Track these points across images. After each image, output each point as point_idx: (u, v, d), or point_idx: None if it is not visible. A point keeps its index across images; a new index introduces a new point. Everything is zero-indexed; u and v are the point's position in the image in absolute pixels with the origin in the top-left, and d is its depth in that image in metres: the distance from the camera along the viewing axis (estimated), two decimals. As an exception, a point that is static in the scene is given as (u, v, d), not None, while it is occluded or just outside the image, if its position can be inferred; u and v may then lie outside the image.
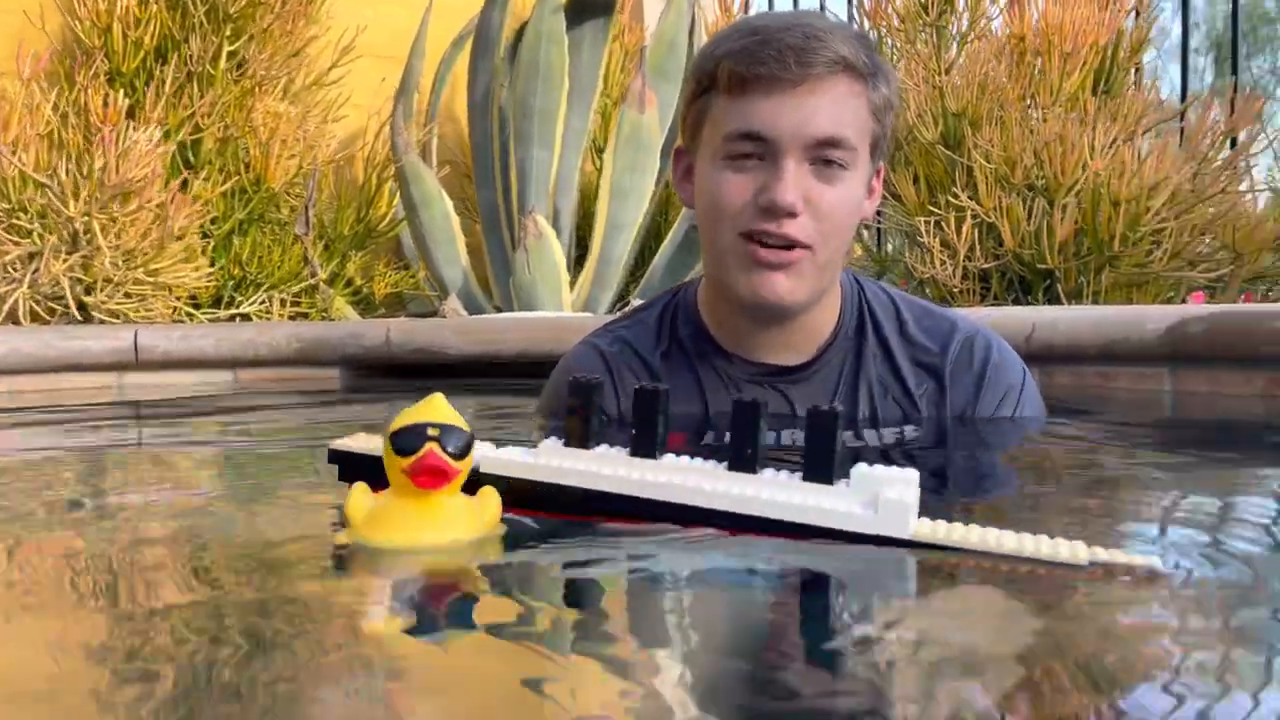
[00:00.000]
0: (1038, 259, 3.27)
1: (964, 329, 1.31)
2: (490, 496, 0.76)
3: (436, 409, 0.73)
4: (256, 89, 3.73)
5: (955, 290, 3.37)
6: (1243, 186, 3.67)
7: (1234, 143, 3.62)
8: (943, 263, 3.37)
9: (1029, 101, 3.52)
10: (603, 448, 0.79)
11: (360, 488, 0.75)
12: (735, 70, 1.17)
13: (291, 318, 3.63)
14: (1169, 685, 0.50)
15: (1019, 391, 1.32)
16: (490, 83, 4.00)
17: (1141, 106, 3.51)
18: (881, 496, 0.71)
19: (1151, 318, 1.99)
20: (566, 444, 0.78)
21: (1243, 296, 3.61)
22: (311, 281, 3.68)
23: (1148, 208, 3.16)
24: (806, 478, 0.73)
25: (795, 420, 1.25)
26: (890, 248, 4.25)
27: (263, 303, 3.52)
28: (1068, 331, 2.06)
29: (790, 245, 1.17)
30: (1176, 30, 4.59)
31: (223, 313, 3.49)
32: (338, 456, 0.82)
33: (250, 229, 3.71)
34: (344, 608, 0.63)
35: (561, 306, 3.71)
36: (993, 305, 3.26)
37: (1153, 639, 0.57)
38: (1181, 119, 3.73)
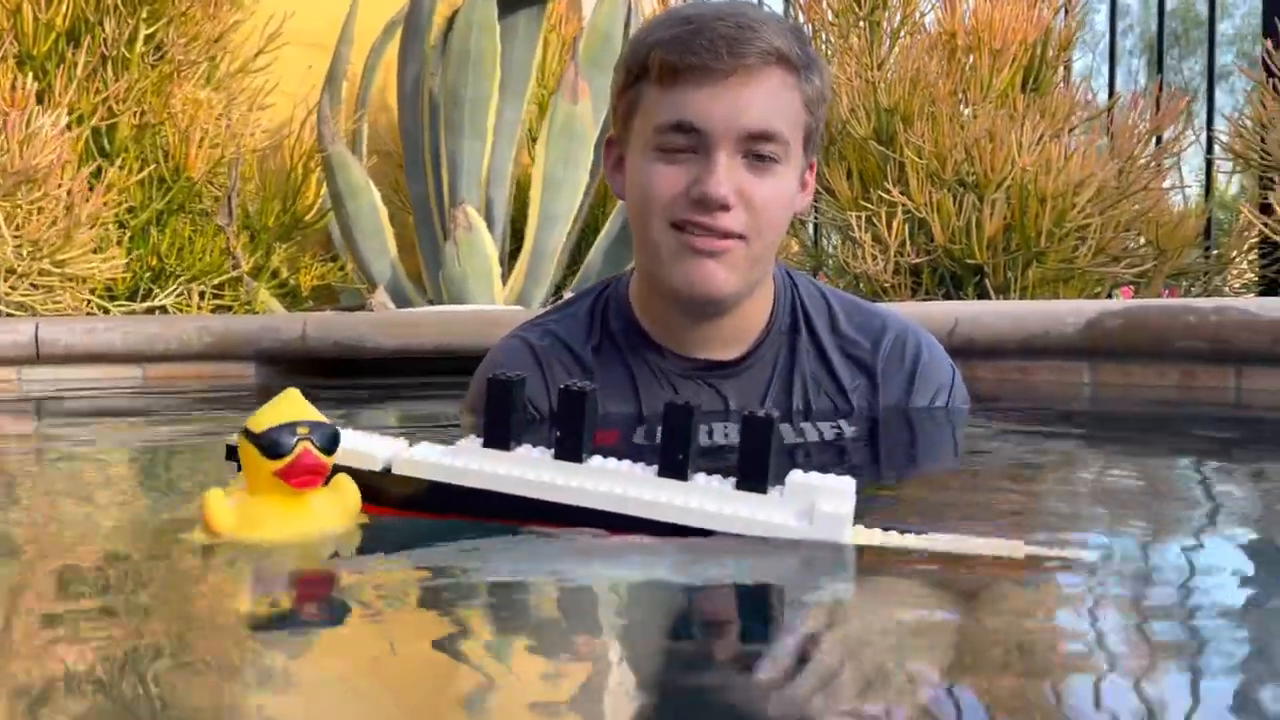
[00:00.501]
0: (967, 254, 3.29)
1: (894, 326, 1.31)
2: (347, 486, 0.73)
3: (297, 405, 0.70)
4: (175, 74, 3.61)
5: (887, 285, 3.38)
6: (1167, 184, 3.73)
7: (1159, 141, 3.68)
8: (874, 258, 3.37)
9: (960, 98, 3.54)
10: (524, 448, 0.75)
11: (215, 492, 0.72)
12: (667, 60, 1.14)
13: (214, 311, 3.52)
14: (1098, 677, 0.50)
15: (949, 390, 1.32)
16: (421, 71, 3.92)
17: (1069, 104, 3.55)
18: (817, 508, 0.69)
19: (1071, 312, 1.99)
20: (486, 444, 0.74)
21: (1166, 292, 3.67)
22: (234, 274, 3.57)
23: (1074, 204, 3.19)
24: (740, 486, 0.71)
25: (728, 415, 1.24)
26: (826, 243, 4.25)
27: (181, 295, 3.41)
28: (989, 326, 2.05)
29: (723, 235, 1.15)
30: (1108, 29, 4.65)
31: (139, 306, 3.38)
32: (236, 454, 0.77)
33: (170, 219, 3.60)
34: (207, 607, 0.61)
35: (494, 300, 3.65)
36: (928, 302, 3.27)
37: (1077, 632, 0.57)
38: (1109, 117, 3.78)
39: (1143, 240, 3.62)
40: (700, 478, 0.72)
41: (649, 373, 1.27)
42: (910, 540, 0.68)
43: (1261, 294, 3.53)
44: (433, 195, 3.95)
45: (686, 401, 0.71)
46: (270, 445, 0.68)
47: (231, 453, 0.77)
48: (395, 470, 0.75)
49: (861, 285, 3.45)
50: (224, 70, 3.92)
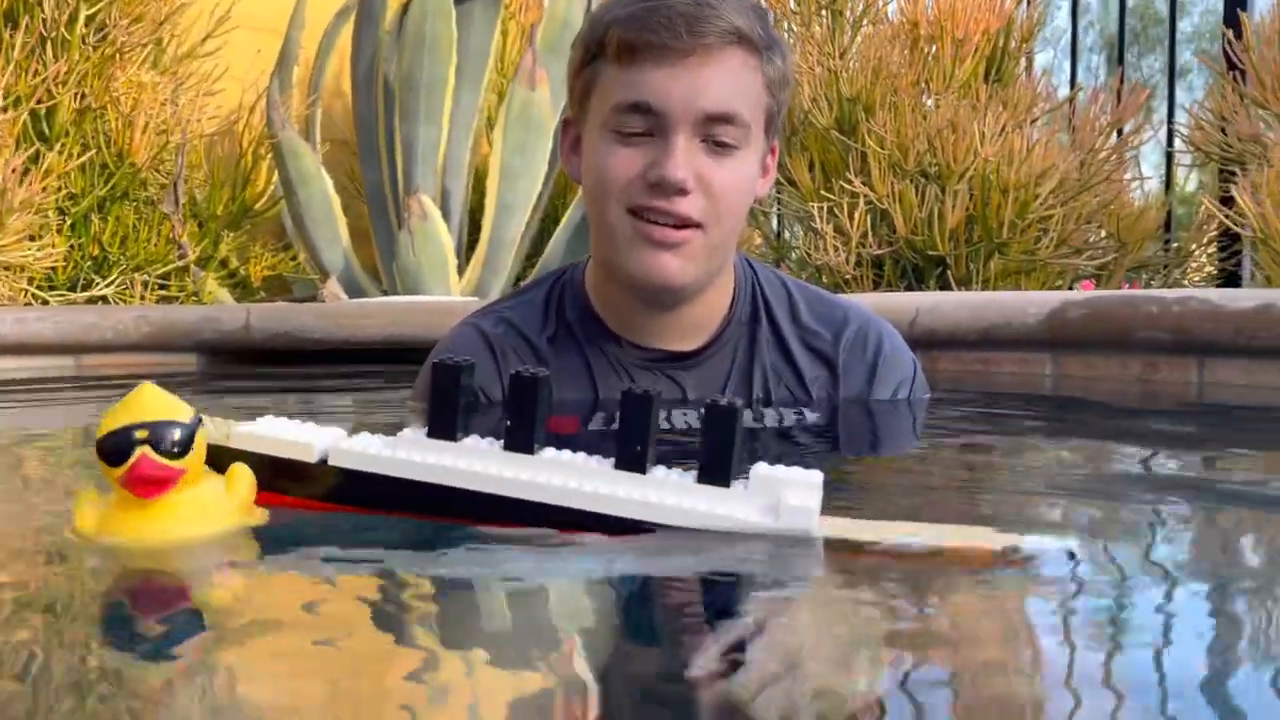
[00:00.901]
0: (929, 246, 3.26)
1: (856, 318, 1.29)
2: (240, 478, 0.67)
3: (144, 403, 0.62)
4: (118, 56, 3.49)
5: (848, 277, 3.34)
6: (1128, 176, 3.72)
7: (1120, 134, 3.67)
8: (836, 249, 3.33)
9: (923, 88, 3.50)
10: (472, 439, 0.68)
11: (87, 491, 0.65)
12: (624, 38, 1.11)
13: (159, 302, 3.41)
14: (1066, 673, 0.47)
15: (910, 383, 1.31)
16: (375, 56, 3.83)
17: (1031, 95, 3.53)
18: (783, 502, 0.64)
19: (1033, 303, 1.96)
20: (431, 434, 0.68)
21: (1127, 285, 3.67)
22: (180, 264, 3.46)
23: (1035, 195, 3.17)
24: (702, 479, 0.65)
25: (687, 404, 1.21)
26: (788, 235, 4.21)
27: (124, 285, 3.30)
28: (950, 317, 2.02)
29: (681, 224, 1.12)
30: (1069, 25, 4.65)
31: (79, 296, 3.26)
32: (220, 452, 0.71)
33: (113, 207, 3.48)
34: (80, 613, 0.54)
35: (449, 291, 3.57)
36: (888, 293, 3.23)
37: (1049, 623, 0.54)
38: (1070, 108, 3.77)
39: (1104, 233, 3.61)
40: (659, 470, 0.66)
41: (606, 363, 1.23)
42: (883, 531, 0.64)
43: (1220, 287, 3.54)
44: (387, 183, 3.85)
45: (646, 390, 0.66)
46: (107, 452, 0.62)
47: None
48: (332, 461, 0.68)
49: (823, 277, 3.41)
50: (171, 54, 3.81)
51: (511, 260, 3.82)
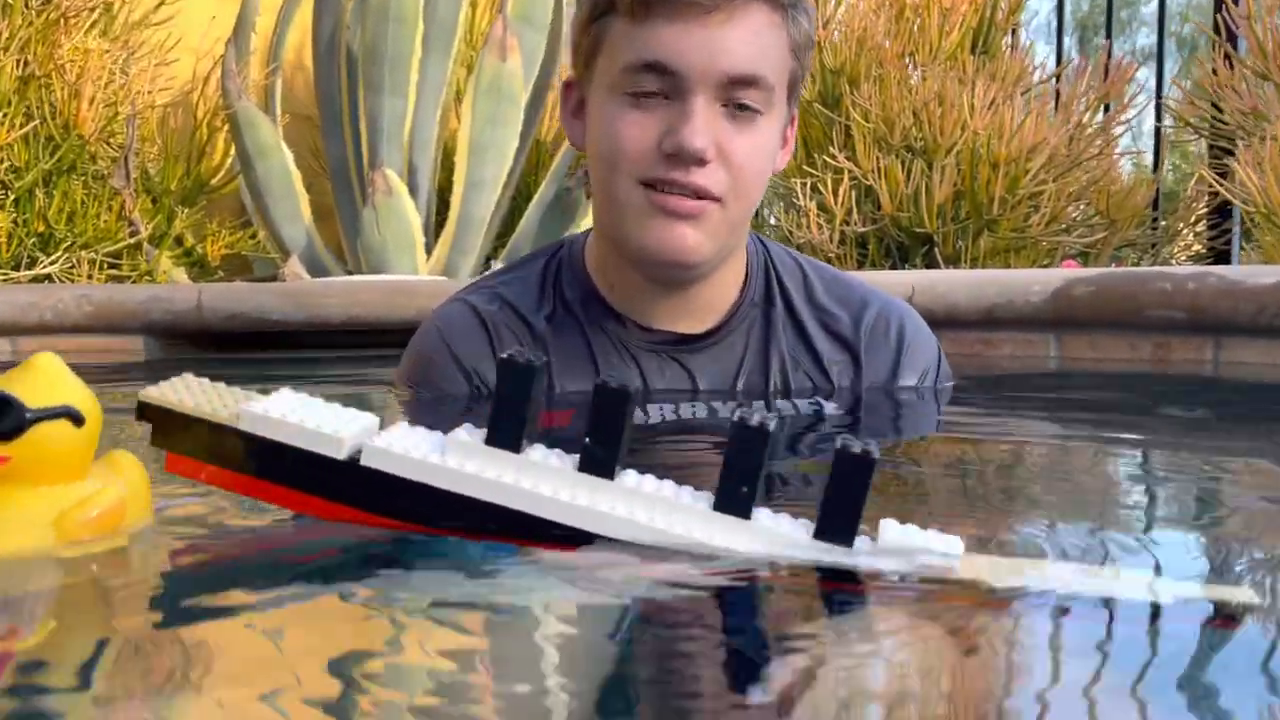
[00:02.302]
0: (915, 223, 3.15)
1: (875, 301, 1.21)
2: (118, 468, 0.55)
3: (33, 374, 0.50)
4: (63, 21, 3.30)
5: (832, 256, 3.23)
6: (1117, 151, 3.63)
7: (1107, 109, 3.58)
8: (819, 226, 3.21)
9: (908, 60, 3.39)
10: (538, 451, 0.56)
11: None
12: None
13: (109, 281, 3.24)
14: None
15: (935, 370, 1.23)
16: (337, 25, 3.66)
17: (1019, 67, 3.42)
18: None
19: (1037, 280, 1.85)
20: (490, 441, 0.56)
21: (1115, 264, 3.59)
22: (132, 241, 3.29)
23: (1026, 169, 3.07)
24: (822, 534, 0.53)
25: (695, 395, 1.13)
26: (767, 212, 4.09)
27: (70, 264, 3.12)
28: (947, 296, 1.91)
29: (697, 195, 1.02)
30: (1045, 6, 4.56)
31: (22, 275, 3.08)
32: (151, 413, 0.59)
33: (60, 181, 3.29)
34: None
35: (416, 271, 3.43)
36: (883, 271, 3.13)
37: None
38: (1057, 83, 3.67)
39: (1092, 211, 3.52)
40: (765, 514, 0.54)
41: (609, 345, 1.14)
42: (1027, 573, 0.51)
43: (1212, 264, 3.46)
44: (351, 158, 3.69)
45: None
46: None
47: (145, 412, 0.59)
48: (365, 462, 0.55)
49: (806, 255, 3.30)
50: (122, 21, 3.63)
51: (481, 239, 3.67)
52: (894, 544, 0.52)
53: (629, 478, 0.56)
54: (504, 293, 1.17)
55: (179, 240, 3.62)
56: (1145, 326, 1.73)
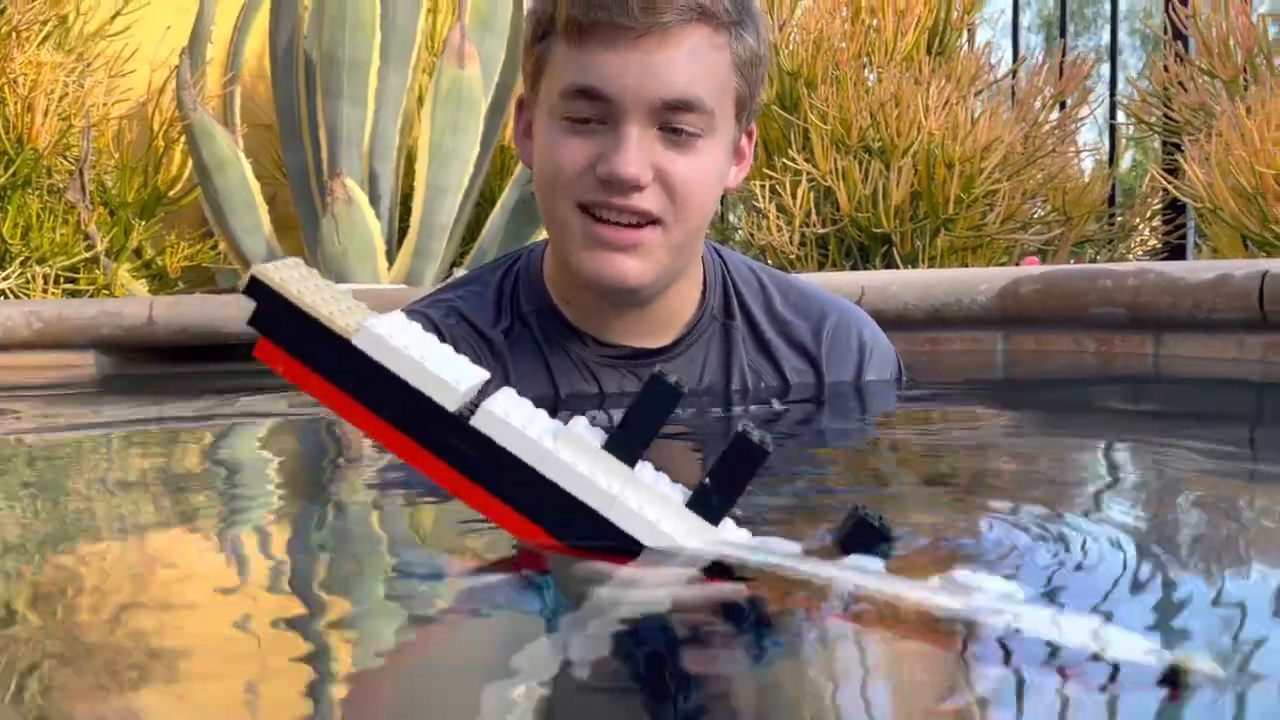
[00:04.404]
0: (874, 223, 3.17)
1: (833, 309, 1.21)
2: None
3: None
4: (15, 35, 3.27)
5: (793, 257, 3.25)
6: (1072, 149, 3.68)
7: (1063, 106, 3.63)
8: (780, 229, 3.23)
9: (864, 60, 3.42)
10: (649, 471, 0.54)
11: None
12: (573, 14, 1.00)
13: (66, 296, 3.21)
14: None
15: (897, 374, 1.26)
16: (295, 33, 3.64)
17: (975, 67, 3.45)
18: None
19: (983, 280, 1.87)
20: (609, 446, 0.53)
21: (1073, 260, 3.63)
22: (88, 255, 3.26)
23: (981, 169, 3.10)
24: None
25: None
26: (733, 217, 4.11)
27: (26, 279, 3.09)
28: (898, 296, 1.92)
29: (638, 221, 1.02)
30: (1008, 6, 4.61)
31: (-24, 291, 3.05)
32: (260, 292, 0.54)
33: (14, 195, 3.26)
34: None
35: (378, 279, 3.41)
36: (834, 272, 3.14)
37: None
38: (1013, 82, 3.71)
39: (1049, 208, 3.56)
40: (856, 560, 0.51)
41: (567, 361, 1.13)
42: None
43: (1166, 260, 3.51)
44: (311, 167, 3.67)
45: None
46: None
47: (254, 288, 0.54)
48: (476, 423, 0.53)
49: (768, 257, 3.31)
50: (77, 33, 3.59)
51: (445, 246, 3.66)
52: (959, 586, 0.47)
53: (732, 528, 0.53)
54: (460, 306, 1.16)
55: (138, 253, 3.60)
56: (1089, 323, 1.75)
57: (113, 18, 3.64)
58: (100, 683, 0.43)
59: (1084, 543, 0.59)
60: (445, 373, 0.53)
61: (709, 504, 0.52)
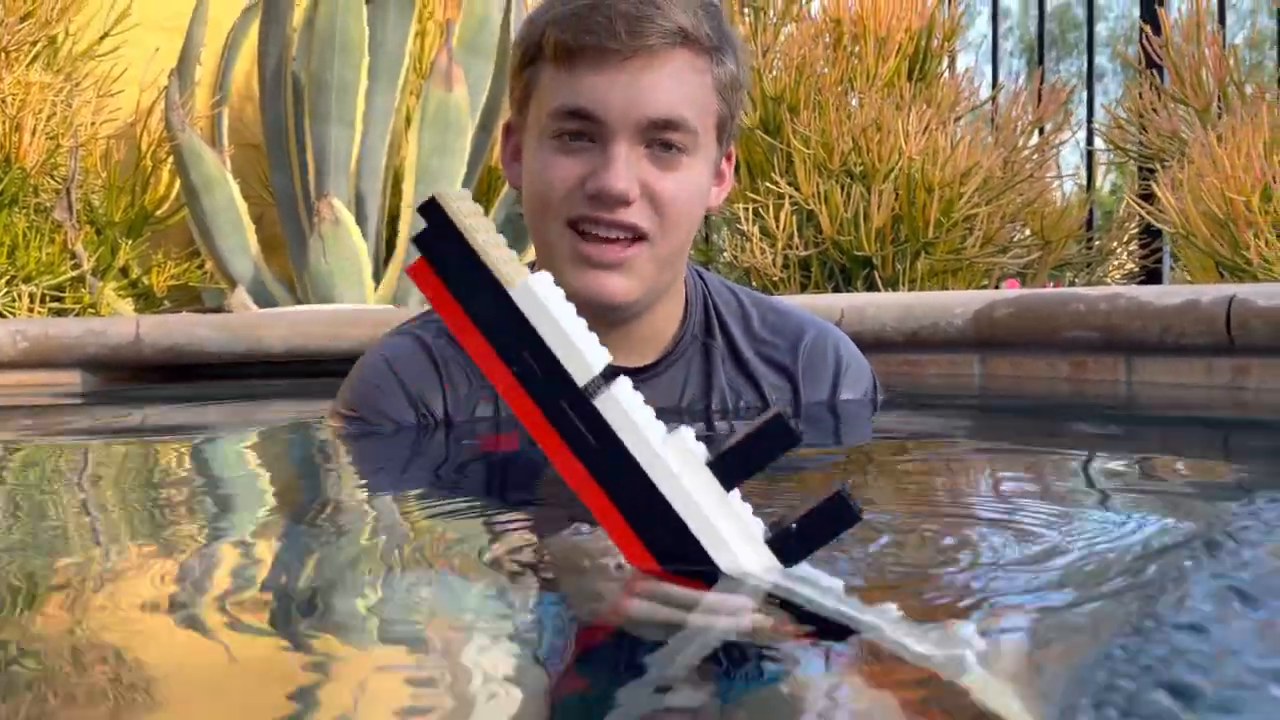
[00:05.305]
0: (855, 246, 3.22)
1: (810, 327, 1.25)
2: None
3: None
4: (4, 55, 3.29)
5: (776, 279, 3.28)
6: (1050, 174, 3.73)
7: (1042, 131, 3.68)
8: (763, 251, 3.27)
9: (846, 86, 3.47)
10: (738, 500, 0.55)
11: None
12: (561, 39, 1.05)
13: (52, 315, 3.21)
14: None
15: (873, 391, 1.29)
16: (283, 55, 3.67)
17: (955, 93, 3.51)
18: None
19: (959, 303, 1.91)
20: (712, 464, 0.54)
21: (1051, 284, 3.68)
22: (74, 274, 3.27)
23: (961, 193, 3.15)
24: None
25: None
26: (717, 239, 4.15)
27: (11, 298, 3.10)
28: (876, 318, 1.96)
29: (625, 237, 1.06)
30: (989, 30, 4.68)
31: (-38, 310, 3.05)
32: (434, 215, 0.55)
33: (0, 214, 3.27)
34: None
35: (364, 300, 3.43)
36: (813, 294, 3.18)
37: None
38: (993, 108, 3.77)
39: (1028, 232, 3.61)
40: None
41: None
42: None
43: (1143, 284, 3.56)
44: (299, 188, 3.69)
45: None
46: None
47: (431, 209, 0.54)
48: (599, 404, 0.54)
49: (751, 279, 3.35)
50: (65, 53, 3.62)
51: (431, 266, 3.68)
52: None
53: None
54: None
55: (124, 272, 3.60)
56: (1063, 346, 1.78)
57: (101, 38, 3.66)
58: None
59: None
60: (585, 347, 0.54)
61: (788, 548, 0.53)
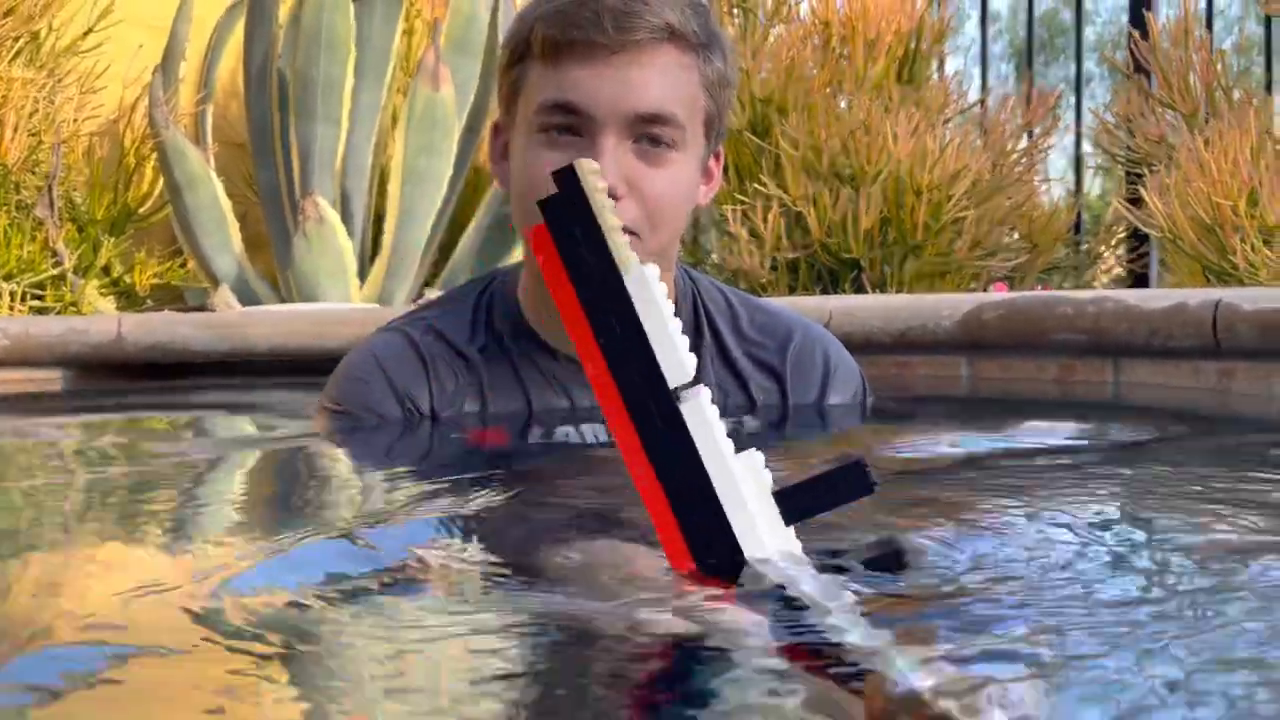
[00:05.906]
0: (843, 248, 3.21)
1: (799, 329, 1.25)
2: None
3: None
4: (-16, 50, 3.25)
5: (764, 282, 3.28)
6: (1038, 178, 3.74)
7: (1031, 135, 3.69)
8: (751, 253, 3.26)
9: (835, 88, 3.47)
10: (788, 534, 0.55)
11: None
12: (549, 35, 1.06)
13: (33, 313, 3.18)
14: None
15: (862, 393, 1.29)
16: (268, 53, 3.64)
17: (944, 95, 3.52)
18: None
19: (948, 305, 1.91)
20: (778, 495, 0.54)
21: (1040, 287, 3.69)
22: (56, 272, 3.24)
23: (949, 196, 3.15)
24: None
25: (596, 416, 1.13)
26: (705, 240, 4.15)
27: (-10, 295, 3.07)
28: (865, 320, 1.95)
29: None
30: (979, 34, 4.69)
31: (-60, 307, 3.02)
32: (566, 182, 0.58)
33: (-19, 211, 3.23)
34: None
35: (349, 299, 3.41)
36: (802, 295, 3.18)
37: None
38: (982, 111, 3.78)
39: (1016, 235, 3.62)
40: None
41: (540, 377, 1.17)
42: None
43: (1130, 288, 3.57)
44: (284, 186, 3.67)
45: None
46: None
47: (562, 178, 0.56)
48: (684, 410, 0.54)
49: (739, 281, 3.34)
50: (48, 49, 3.58)
51: (417, 266, 3.66)
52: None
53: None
54: (437, 325, 1.19)
55: (106, 270, 3.57)
56: (1051, 349, 1.78)
57: (85, 34, 3.62)
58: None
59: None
60: (681, 349, 0.55)
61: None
